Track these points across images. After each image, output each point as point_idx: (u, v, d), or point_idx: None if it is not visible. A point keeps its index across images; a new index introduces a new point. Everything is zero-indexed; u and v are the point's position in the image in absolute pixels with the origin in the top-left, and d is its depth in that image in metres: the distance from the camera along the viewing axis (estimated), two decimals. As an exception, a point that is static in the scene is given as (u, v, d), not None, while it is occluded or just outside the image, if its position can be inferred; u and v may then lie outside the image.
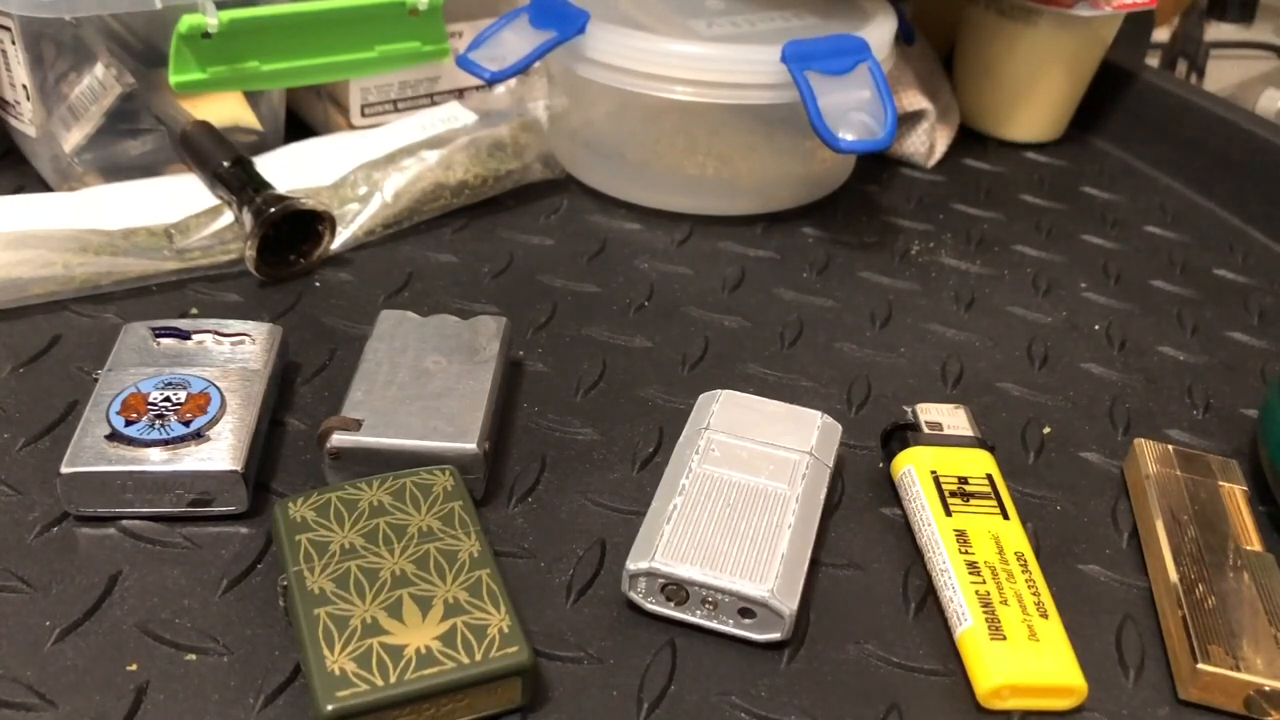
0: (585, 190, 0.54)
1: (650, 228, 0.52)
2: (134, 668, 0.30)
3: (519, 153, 0.52)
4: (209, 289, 0.45)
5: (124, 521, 0.35)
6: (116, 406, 0.36)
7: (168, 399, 0.36)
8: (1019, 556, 0.34)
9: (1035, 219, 0.56)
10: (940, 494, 0.36)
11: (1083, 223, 0.56)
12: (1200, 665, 0.31)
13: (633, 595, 0.33)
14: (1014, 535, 0.35)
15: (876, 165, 0.59)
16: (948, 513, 0.35)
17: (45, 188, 0.50)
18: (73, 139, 0.48)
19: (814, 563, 0.35)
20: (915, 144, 0.60)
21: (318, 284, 0.46)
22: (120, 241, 0.44)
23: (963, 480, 0.36)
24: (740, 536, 0.33)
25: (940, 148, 0.60)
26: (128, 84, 0.48)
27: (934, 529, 0.35)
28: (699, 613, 0.32)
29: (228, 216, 0.46)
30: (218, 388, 0.37)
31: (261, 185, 0.46)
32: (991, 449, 0.38)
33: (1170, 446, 0.39)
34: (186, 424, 0.35)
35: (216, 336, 0.39)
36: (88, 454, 0.34)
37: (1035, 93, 0.62)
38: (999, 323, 0.48)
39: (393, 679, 0.28)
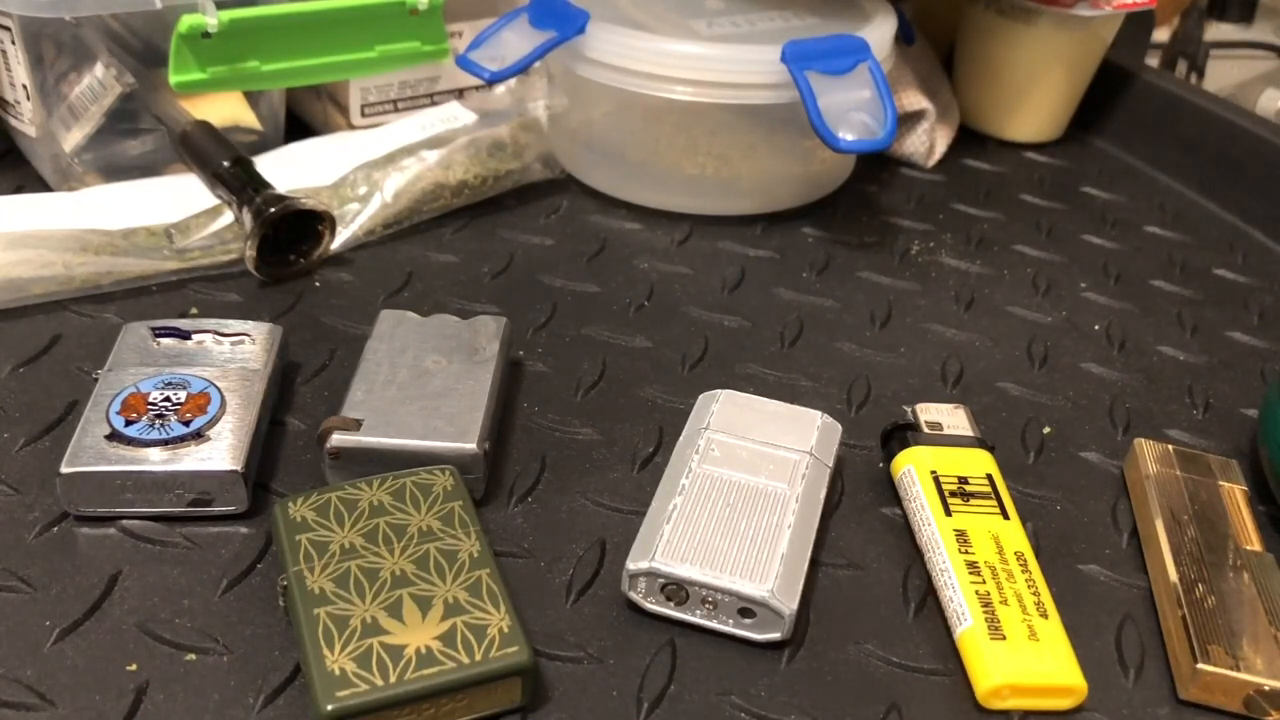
0: (585, 190, 0.54)
1: (650, 228, 0.52)
2: (134, 668, 0.30)
3: (519, 153, 0.52)
4: (209, 289, 0.45)
5: (124, 521, 0.35)
6: (116, 406, 0.36)
7: (168, 399, 0.36)
8: (1019, 556, 0.34)
9: (1035, 219, 0.56)
10: (940, 494, 0.36)
11: (1083, 223, 0.56)
12: (1200, 665, 0.31)
13: (633, 595, 0.33)
14: (1014, 535, 0.35)
15: (876, 165, 0.59)
16: (948, 513, 0.35)
17: (45, 188, 0.50)
18: (73, 139, 0.48)
19: (814, 563, 0.35)
20: (915, 144, 0.60)
21: (318, 284, 0.46)
22: (120, 241, 0.44)
23: (963, 480, 0.36)
24: (740, 536, 0.33)
25: (940, 148, 0.60)
26: (128, 84, 0.48)
27: (934, 529, 0.35)
28: (699, 613, 0.32)
29: (228, 216, 0.46)
30: (218, 388, 0.37)
31: (261, 185, 0.46)
32: (991, 449, 0.38)
33: (1170, 446, 0.39)
34: (186, 424, 0.35)
35: (216, 336, 0.39)
36: (88, 454, 0.34)
37: (1035, 93, 0.62)
38: (999, 323, 0.48)
39: (393, 679, 0.28)
